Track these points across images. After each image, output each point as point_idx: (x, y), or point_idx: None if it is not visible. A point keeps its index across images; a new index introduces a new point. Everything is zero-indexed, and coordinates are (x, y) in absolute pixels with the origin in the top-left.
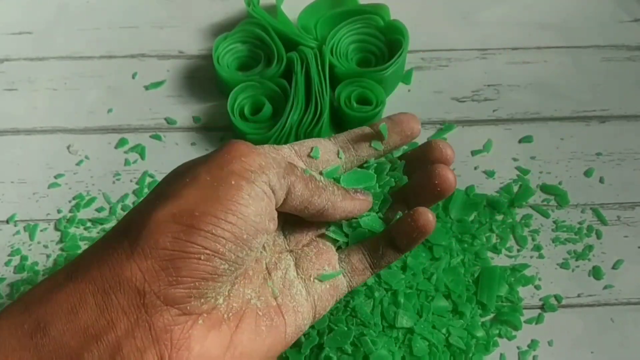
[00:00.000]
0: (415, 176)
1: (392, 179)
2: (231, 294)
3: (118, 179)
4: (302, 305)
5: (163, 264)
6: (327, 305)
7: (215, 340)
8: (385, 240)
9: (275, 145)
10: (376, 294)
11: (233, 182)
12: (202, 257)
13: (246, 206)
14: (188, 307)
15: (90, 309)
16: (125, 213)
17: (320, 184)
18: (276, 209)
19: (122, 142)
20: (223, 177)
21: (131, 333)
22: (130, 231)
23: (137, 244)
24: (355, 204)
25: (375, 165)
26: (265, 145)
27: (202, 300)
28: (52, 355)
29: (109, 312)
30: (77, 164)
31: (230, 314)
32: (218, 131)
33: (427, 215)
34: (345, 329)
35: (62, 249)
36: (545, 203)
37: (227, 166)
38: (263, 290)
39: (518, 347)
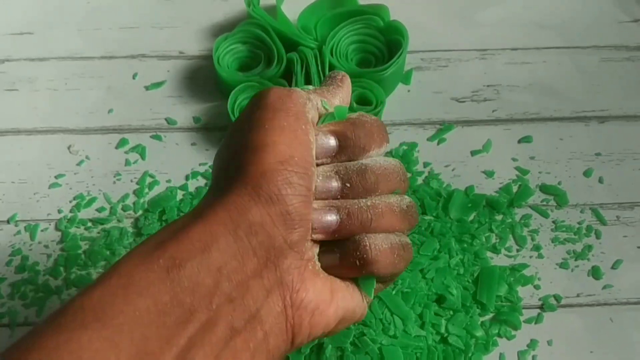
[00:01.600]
0: None
1: None
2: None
3: (118, 179)
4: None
5: (287, 209)
6: None
7: (322, 285)
8: None
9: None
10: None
11: (303, 127)
12: (307, 200)
13: (312, 147)
14: (304, 250)
15: (222, 249)
16: (125, 213)
17: (326, 88)
18: None
19: (122, 143)
20: (293, 122)
21: (259, 274)
22: (248, 179)
23: (262, 191)
24: (348, 88)
25: None
26: (283, 90)
27: (310, 242)
28: (187, 292)
29: (241, 253)
30: (78, 164)
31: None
32: (218, 131)
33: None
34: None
35: (62, 249)
36: (544, 203)
37: (289, 111)
38: None
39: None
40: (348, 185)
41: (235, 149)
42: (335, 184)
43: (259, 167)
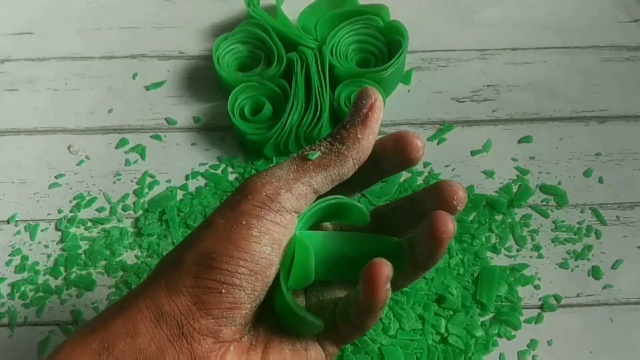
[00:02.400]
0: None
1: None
2: (256, 323)
3: (118, 179)
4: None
5: (193, 300)
6: None
7: None
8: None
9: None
10: None
11: (244, 222)
12: (223, 291)
13: (257, 242)
14: (220, 336)
15: (143, 334)
16: (125, 213)
17: (335, 153)
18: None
19: (122, 142)
20: (234, 218)
21: (177, 358)
22: (166, 272)
23: (171, 284)
24: (372, 129)
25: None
26: (272, 169)
27: (233, 328)
28: None
29: (157, 339)
30: (78, 164)
31: (258, 339)
32: (218, 131)
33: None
34: None
35: (62, 249)
36: (544, 203)
37: (237, 208)
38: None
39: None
40: None
41: (180, 244)
42: None
43: (178, 261)
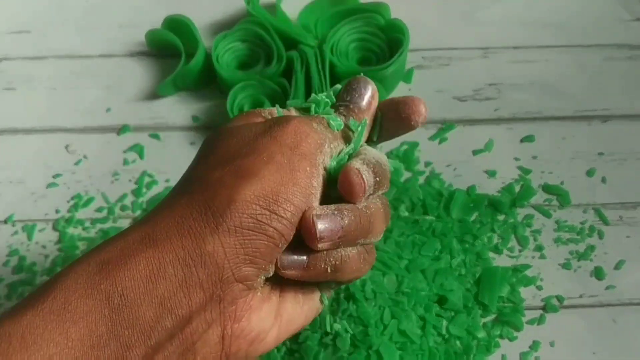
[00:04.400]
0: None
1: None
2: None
3: (117, 179)
4: None
5: (244, 243)
6: None
7: (267, 311)
8: None
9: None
10: (376, 294)
11: (308, 169)
12: (279, 244)
13: (314, 193)
14: (254, 284)
15: (169, 280)
16: (123, 213)
17: (345, 130)
18: None
19: (120, 142)
20: (297, 160)
21: (203, 307)
22: (214, 204)
23: (223, 220)
24: (370, 113)
25: None
26: (312, 118)
27: (263, 276)
28: (126, 324)
29: (188, 285)
30: (76, 164)
31: (275, 285)
32: None
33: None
34: (345, 331)
35: (60, 250)
36: (547, 203)
37: (297, 149)
38: None
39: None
40: (377, 179)
41: (222, 164)
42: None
43: (232, 194)
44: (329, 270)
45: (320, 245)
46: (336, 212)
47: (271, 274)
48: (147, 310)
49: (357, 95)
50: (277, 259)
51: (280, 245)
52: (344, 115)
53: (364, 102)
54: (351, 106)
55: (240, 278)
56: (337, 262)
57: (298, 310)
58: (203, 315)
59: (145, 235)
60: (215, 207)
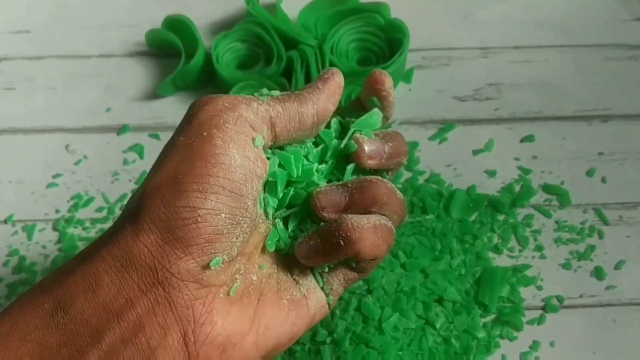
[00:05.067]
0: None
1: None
2: (247, 268)
3: (117, 179)
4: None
5: (165, 237)
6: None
7: (238, 314)
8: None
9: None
10: (376, 293)
11: (205, 133)
12: (199, 219)
13: (224, 153)
14: (204, 278)
15: (107, 286)
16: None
17: (297, 93)
18: (270, 145)
19: (120, 142)
20: (194, 131)
21: (152, 311)
22: (130, 211)
23: (137, 221)
24: (332, 88)
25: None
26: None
27: (217, 267)
28: (74, 334)
29: (126, 290)
30: (76, 164)
31: (250, 287)
32: None
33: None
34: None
35: (60, 249)
36: (547, 203)
37: (194, 119)
38: (278, 265)
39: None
40: (390, 145)
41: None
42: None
43: (139, 194)
44: (342, 243)
45: (324, 215)
46: (339, 186)
47: (221, 261)
48: (92, 317)
49: (317, 79)
50: (295, 249)
51: (202, 220)
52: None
53: (319, 83)
54: (308, 88)
55: (182, 275)
56: (349, 234)
57: (281, 317)
58: (155, 319)
59: (82, 256)
60: (130, 212)
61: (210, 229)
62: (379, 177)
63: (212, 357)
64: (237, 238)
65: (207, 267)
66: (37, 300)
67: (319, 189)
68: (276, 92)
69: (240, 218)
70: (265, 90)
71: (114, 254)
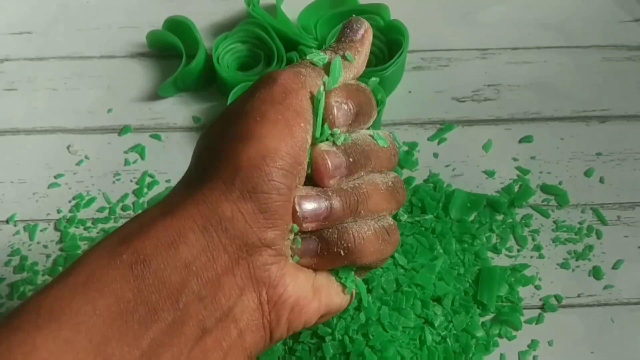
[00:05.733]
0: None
1: None
2: None
3: (118, 179)
4: None
5: (261, 207)
6: None
7: (304, 279)
8: None
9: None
10: (375, 293)
11: (302, 125)
12: (288, 198)
13: (305, 137)
14: (282, 248)
15: (191, 244)
16: (124, 213)
17: (345, 61)
18: None
19: (122, 142)
20: (290, 117)
21: (231, 271)
22: (224, 173)
23: (236, 187)
24: (365, 47)
25: None
26: (295, 66)
27: (290, 240)
28: (152, 289)
29: (210, 249)
30: (77, 164)
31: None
32: None
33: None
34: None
35: (61, 249)
36: (545, 203)
37: (290, 105)
38: None
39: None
40: (352, 160)
41: (219, 137)
42: (340, 159)
43: (237, 160)
44: (342, 254)
45: (305, 226)
46: (321, 193)
47: (295, 232)
48: (172, 275)
49: (349, 32)
50: (291, 249)
51: (289, 201)
52: (337, 51)
53: (357, 36)
54: (345, 40)
55: (267, 242)
56: (350, 245)
57: (334, 287)
58: (233, 279)
59: (162, 209)
60: (226, 176)
61: (288, 209)
62: (374, 182)
63: (282, 318)
64: None
65: (286, 237)
66: (116, 250)
67: (299, 193)
68: (324, 58)
69: None
70: (317, 55)
71: (204, 213)
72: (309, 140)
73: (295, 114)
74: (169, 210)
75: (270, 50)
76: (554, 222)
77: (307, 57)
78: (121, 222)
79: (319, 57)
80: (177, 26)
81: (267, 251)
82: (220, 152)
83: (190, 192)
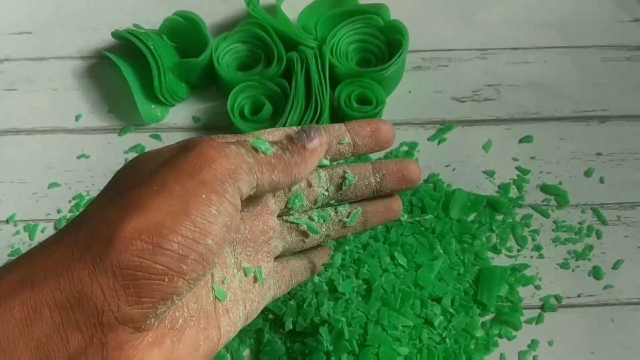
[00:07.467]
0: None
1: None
2: (176, 308)
3: None
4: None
5: (125, 284)
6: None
7: (157, 356)
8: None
9: (239, 136)
10: (375, 293)
11: (203, 196)
12: (166, 280)
13: (214, 223)
14: (143, 326)
15: (46, 323)
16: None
17: (285, 160)
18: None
19: (121, 142)
20: (193, 188)
21: (84, 352)
22: (94, 243)
23: (101, 261)
24: (314, 159)
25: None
26: (231, 139)
27: (155, 319)
28: None
29: (64, 328)
30: (77, 164)
31: (175, 327)
32: (218, 131)
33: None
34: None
35: None
36: (545, 203)
37: (197, 175)
38: (202, 295)
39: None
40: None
41: (115, 198)
42: None
43: (112, 232)
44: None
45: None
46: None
47: (167, 312)
48: (22, 355)
49: (304, 137)
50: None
51: (169, 281)
52: (284, 149)
53: (310, 145)
54: (296, 143)
55: (124, 320)
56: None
57: (194, 357)
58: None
59: (24, 276)
60: (96, 247)
61: (171, 290)
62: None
63: None
64: (185, 293)
65: (150, 317)
66: None
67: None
68: (268, 149)
69: (198, 283)
70: (263, 143)
71: (64, 289)
72: (215, 212)
73: (200, 185)
74: (30, 281)
75: (270, 50)
76: (554, 222)
77: (251, 142)
78: None
79: (265, 146)
80: (186, 21)
81: (124, 329)
82: (104, 219)
83: (58, 259)
